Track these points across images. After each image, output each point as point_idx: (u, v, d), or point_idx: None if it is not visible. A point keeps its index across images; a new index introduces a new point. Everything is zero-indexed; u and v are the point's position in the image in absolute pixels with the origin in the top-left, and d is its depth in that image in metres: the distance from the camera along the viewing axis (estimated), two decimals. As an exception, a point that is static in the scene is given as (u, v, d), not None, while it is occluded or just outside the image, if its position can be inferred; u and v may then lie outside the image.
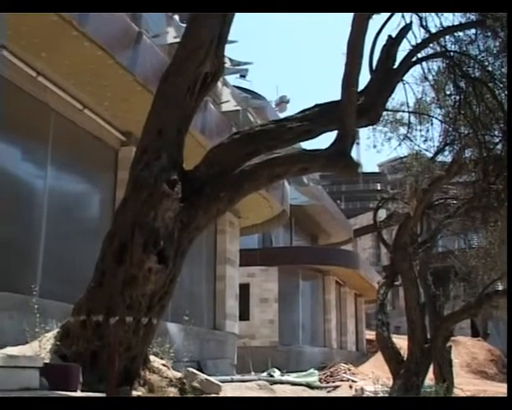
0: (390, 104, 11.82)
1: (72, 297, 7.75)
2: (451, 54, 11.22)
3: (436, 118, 12.97)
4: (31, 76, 12.08)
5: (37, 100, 12.46)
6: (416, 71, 12.88)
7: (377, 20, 8.61)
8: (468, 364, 34.96)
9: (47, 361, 6.55)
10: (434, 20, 10.80)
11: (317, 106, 6.32)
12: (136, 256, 4.76)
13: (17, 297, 10.84)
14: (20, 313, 10.53)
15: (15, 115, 12.12)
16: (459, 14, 10.73)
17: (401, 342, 15.86)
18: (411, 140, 13.12)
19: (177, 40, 13.12)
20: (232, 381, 15.01)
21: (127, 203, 4.80)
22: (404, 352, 14.73)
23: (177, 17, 16.25)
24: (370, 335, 35.91)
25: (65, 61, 11.77)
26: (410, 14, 10.33)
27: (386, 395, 13.95)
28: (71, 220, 13.86)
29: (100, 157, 14.94)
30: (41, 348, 7.15)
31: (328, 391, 20.75)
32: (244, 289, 26.16)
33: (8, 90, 11.71)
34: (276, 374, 19.67)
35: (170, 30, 14.70)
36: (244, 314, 26.06)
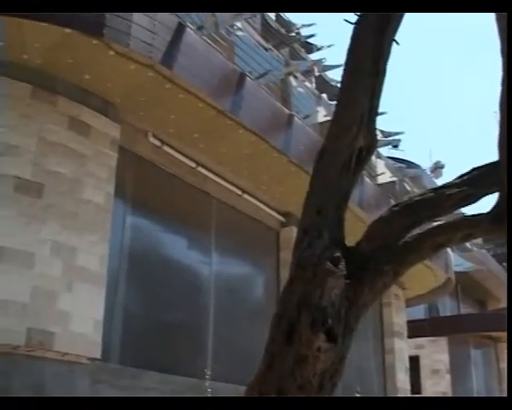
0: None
1: (243, 379, 7.86)
2: None
3: None
4: (191, 167, 12.67)
5: (198, 190, 13.02)
6: None
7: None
8: None
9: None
10: None
11: (474, 169, 6.15)
12: (305, 336, 4.76)
13: (190, 381, 11.15)
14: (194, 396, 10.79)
15: (180, 206, 12.73)
16: None
17: None
18: None
19: (328, 118, 13.33)
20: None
21: (292, 284, 4.84)
22: None
23: (325, 96, 16.52)
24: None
25: (221, 149, 12.26)
26: None
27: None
28: (237, 303, 14.16)
29: (261, 239, 15.27)
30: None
31: None
32: (414, 362, 25.42)
33: (172, 183, 12.37)
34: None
35: (319, 109, 14.97)
36: (415, 387, 25.30)
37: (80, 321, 9.54)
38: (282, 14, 20.75)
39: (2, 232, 9.12)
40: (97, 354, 9.75)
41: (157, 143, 11.92)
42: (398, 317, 20.36)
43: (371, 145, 5.04)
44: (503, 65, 4.61)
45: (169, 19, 10.28)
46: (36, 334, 9.03)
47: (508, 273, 4.82)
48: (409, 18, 5.15)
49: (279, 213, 15.21)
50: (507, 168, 4.92)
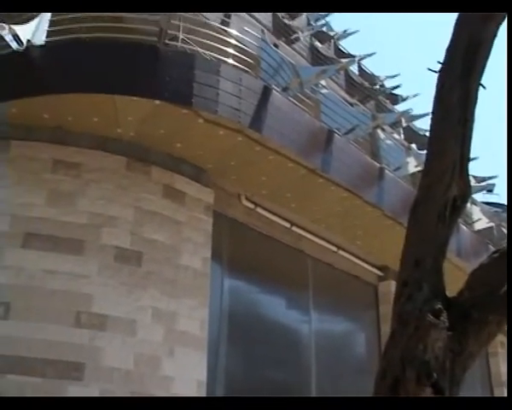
0: None
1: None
2: None
3: None
4: (285, 227, 12.74)
5: (293, 249, 13.06)
6: None
7: None
8: None
9: None
10: None
11: None
12: (411, 390, 4.66)
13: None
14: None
15: (276, 266, 12.79)
16: None
17: None
18: None
19: (419, 169, 13.18)
20: None
21: (394, 338, 4.75)
22: None
23: (414, 146, 16.40)
24: None
25: (314, 207, 12.30)
26: None
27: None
28: (339, 359, 14.00)
29: (359, 295, 15.11)
30: None
31: None
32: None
33: (267, 243, 12.46)
34: None
35: (410, 160, 14.84)
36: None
37: (183, 384, 9.64)
38: (364, 67, 20.85)
39: (105, 301, 9.38)
40: (202, 417, 9.78)
41: (250, 205, 12.06)
42: (506, 366, 19.61)
43: (465, 193, 4.95)
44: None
45: (254, 83, 10.50)
46: (141, 400, 9.16)
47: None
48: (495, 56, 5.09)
49: (376, 267, 15.04)
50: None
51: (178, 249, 10.30)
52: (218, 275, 11.40)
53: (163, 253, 10.10)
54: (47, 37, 9.67)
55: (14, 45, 9.21)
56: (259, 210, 12.22)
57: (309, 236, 13.27)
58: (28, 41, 9.18)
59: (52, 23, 9.87)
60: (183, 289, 10.12)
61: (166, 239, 10.20)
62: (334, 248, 13.91)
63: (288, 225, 12.78)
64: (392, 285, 13.80)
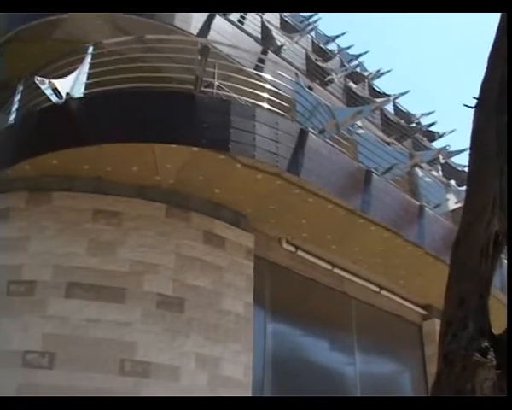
0: None
1: None
2: None
3: None
4: (327, 269, 12.68)
5: (336, 290, 12.97)
6: None
7: None
8: None
9: None
10: None
11: None
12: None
13: None
14: None
15: (319, 309, 12.70)
16: None
17: None
18: None
19: (459, 205, 13.06)
20: None
21: (441, 378, 4.66)
22: None
23: (453, 182, 16.26)
24: None
25: (354, 248, 12.22)
26: None
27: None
28: (385, 402, 13.78)
29: (403, 335, 14.90)
30: None
31: None
32: None
33: (308, 286, 12.40)
34: None
35: (449, 196, 14.71)
36: None
37: (229, 432, 9.56)
38: (399, 105, 20.84)
39: (148, 349, 9.40)
40: None
41: (291, 248, 12.05)
42: None
43: (507, 228, 4.89)
44: None
45: (290, 126, 10.55)
46: (186, 448, 9.10)
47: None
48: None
49: (419, 306, 14.85)
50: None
51: (220, 294, 10.30)
52: (261, 319, 11.36)
53: (205, 298, 10.11)
54: (85, 89, 9.88)
55: (53, 98, 9.43)
56: (300, 253, 12.20)
57: (351, 277, 13.19)
58: (67, 94, 9.39)
59: (90, 75, 10.09)
60: (226, 335, 10.10)
61: (208, 285, 10.22)
62: (377, 289, 13.78)
63: (329, 267, 12.72)
64: (436, 324, 13.61)
